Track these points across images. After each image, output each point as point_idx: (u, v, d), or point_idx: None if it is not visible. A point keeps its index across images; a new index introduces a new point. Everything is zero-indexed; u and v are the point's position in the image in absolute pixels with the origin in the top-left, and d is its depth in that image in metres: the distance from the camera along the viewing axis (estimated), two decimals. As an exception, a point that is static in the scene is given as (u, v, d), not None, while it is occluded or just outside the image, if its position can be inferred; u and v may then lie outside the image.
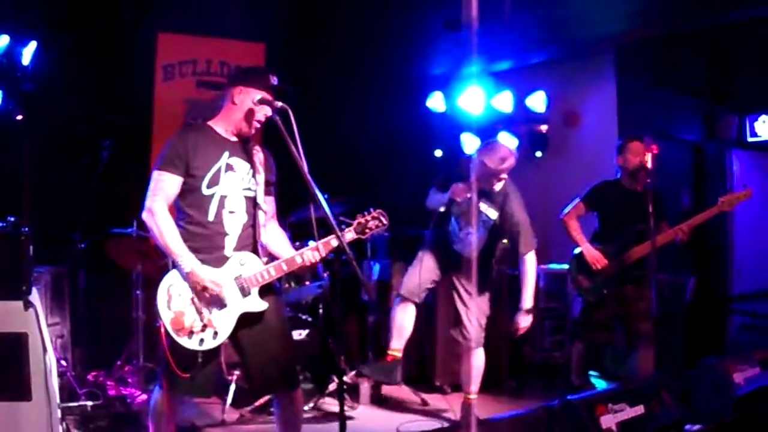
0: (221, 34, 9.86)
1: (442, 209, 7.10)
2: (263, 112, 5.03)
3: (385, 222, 5.19)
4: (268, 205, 5.26)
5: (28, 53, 8.03)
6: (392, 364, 7.21)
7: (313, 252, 5.03)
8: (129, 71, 9.24)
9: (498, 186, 6.98)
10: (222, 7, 9.37)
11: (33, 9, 8.28)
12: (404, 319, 7.20)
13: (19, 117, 8.16)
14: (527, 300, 7.04)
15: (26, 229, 5.37)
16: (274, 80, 5.07)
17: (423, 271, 7.20)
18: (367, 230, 5.15)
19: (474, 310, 7.13)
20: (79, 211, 7.88)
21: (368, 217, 5.15)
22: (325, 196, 4.65)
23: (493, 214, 7.02)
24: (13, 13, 8.04)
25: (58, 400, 5.46)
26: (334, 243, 4.94)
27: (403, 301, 7.21)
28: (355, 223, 5.13)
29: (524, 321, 7.06)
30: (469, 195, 6.85)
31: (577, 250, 7.79)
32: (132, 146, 8.87)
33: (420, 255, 7.32)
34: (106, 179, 8.02)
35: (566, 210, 7.83)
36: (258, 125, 5.08)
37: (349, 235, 5.10)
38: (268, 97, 4.98)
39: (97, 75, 8.86)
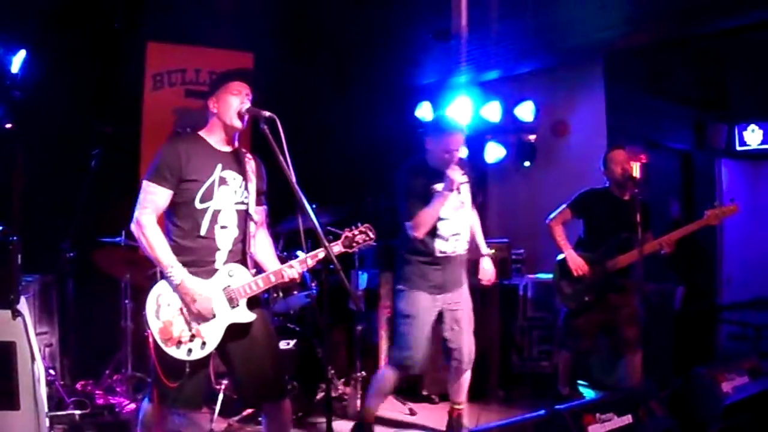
0: (210, 43, 9.84)
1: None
2: (243, 103, 5.06)
3: (372, 236, 5.20)
4: (258, 214, 5.29)
5: (17, 61, 8.01)
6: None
7: (300, 265, 5.07)
8: (118, 80, 9.23)
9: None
10: (211, 17, 9.36)
11: (22, 17, 8.26)
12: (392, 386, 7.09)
13: (8, 125, 8.15)
14: (485, 246, 7.23)
15: (15, 237, 5.37)
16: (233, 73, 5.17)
17: (422, 335, 6.77)
18: (355, 244, 5.17)
19: (466, 327, 6.94)
20: (67, 220, 7.86)
21: (356, 231, 5.18)
22: (313, 205, 4.64)
23: (465, 184, 6.86)
24: (3, 21, 8.03)
25: (46, 409, 5.47)
26: (322, 255, 4.98)
27: (402, 371, 6.91)
28: (342, 237, 5.15)
29: (491, 264, 7.16)
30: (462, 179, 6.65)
31: (560, 256, 7.82)
32: (121, 155, 8.85)
33: (405, 310, 6.81)
34: (95, 188, 8.00)
35: (552, 215, 7.85)
36: (244, 115, 5.08)
37: (337, 248, 5.09)
38: (244, 86, 5.11)
39: (86, 84, 8.85)
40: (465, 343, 6.89)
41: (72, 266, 8.05)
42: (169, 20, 9.27)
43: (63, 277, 8.11)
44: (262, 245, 5.37)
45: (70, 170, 8.32)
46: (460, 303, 6.90)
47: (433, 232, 6.71)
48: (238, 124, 5.09)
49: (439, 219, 6.69)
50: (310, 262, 5.08)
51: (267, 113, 4.79)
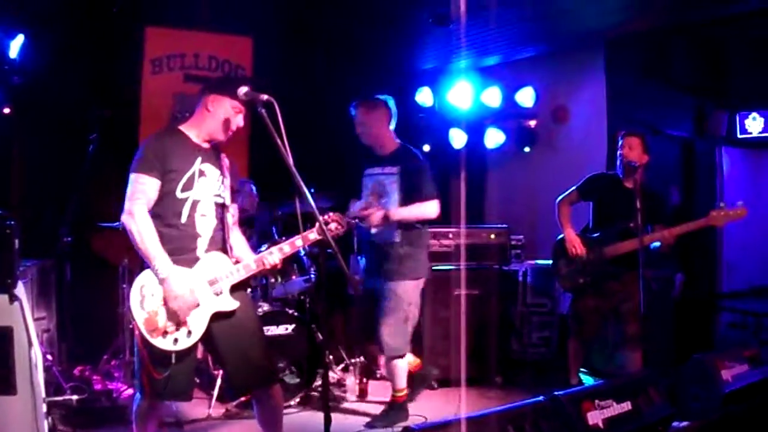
0: (209, 28, 9.84)
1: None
2: (237, 122, 5.13)
3: (342, 226, 5.28)
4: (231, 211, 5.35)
5: (15, 46, 8.00)
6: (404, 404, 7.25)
7: (279, 252, 5.18)
8: (117, 65, 9.21)
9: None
10: (210, 1, 9.35)
11: (20, 2, 8.24)
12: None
13: (6, 110, 8.14)
14: (401, 211, 6.99)
15: (12, 222, 5.34)
16: (244, 91, 5.01)
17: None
18: (329, 231, 5.15)
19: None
20: (65, 204, 7.84)
21: (328, 219, 5.22)
22: (311, 190, 4.63)
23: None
24: (1, 5, 8.01)
25: (43, 395, 5.43)
26: (299, 243, 5.16)
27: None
28: (317, 225, 5.14)
29: (377, 216, 6.94)
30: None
31: (560, 236, 7.79)
32: (119, 140, 8.81)
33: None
34: (93, 173, 7.98)
35: (561, 196, 7.83)
36: (230, 134, 5.16)
37: (312, 235, 5.18)
38: (245, 96, 4.97)
39: (84, 68, 8.82)
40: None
41: (70, 251, 8.03)
42: (168, 4, 9.26)
43: (61, 262, 8.08)
44: (237, 242, 5.38)
45: (68, 155, 8.30)
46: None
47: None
48: (221, 137, 5.17)
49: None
50: (287, 249, 5.18)
51: (265, 96, 4.76)
